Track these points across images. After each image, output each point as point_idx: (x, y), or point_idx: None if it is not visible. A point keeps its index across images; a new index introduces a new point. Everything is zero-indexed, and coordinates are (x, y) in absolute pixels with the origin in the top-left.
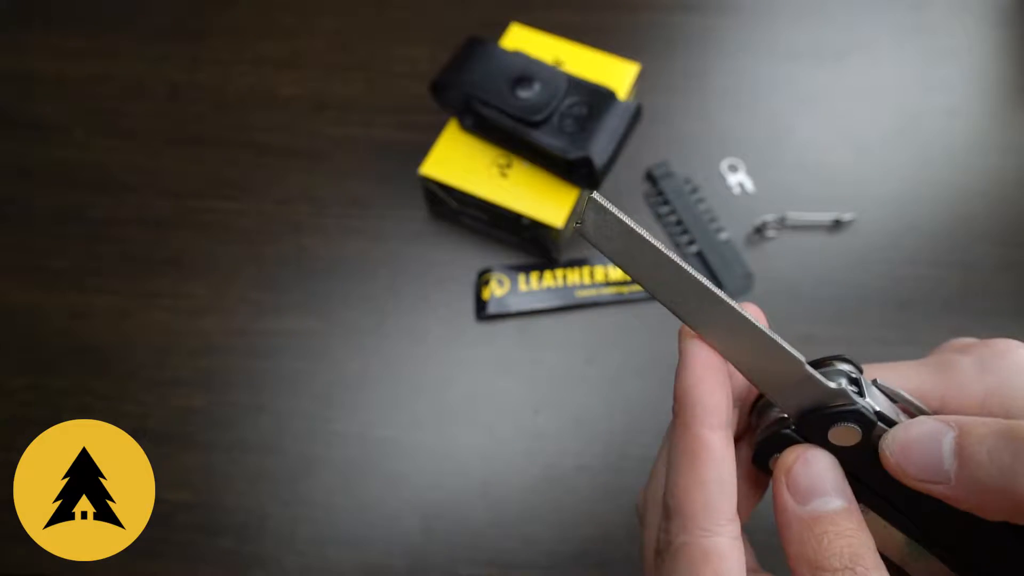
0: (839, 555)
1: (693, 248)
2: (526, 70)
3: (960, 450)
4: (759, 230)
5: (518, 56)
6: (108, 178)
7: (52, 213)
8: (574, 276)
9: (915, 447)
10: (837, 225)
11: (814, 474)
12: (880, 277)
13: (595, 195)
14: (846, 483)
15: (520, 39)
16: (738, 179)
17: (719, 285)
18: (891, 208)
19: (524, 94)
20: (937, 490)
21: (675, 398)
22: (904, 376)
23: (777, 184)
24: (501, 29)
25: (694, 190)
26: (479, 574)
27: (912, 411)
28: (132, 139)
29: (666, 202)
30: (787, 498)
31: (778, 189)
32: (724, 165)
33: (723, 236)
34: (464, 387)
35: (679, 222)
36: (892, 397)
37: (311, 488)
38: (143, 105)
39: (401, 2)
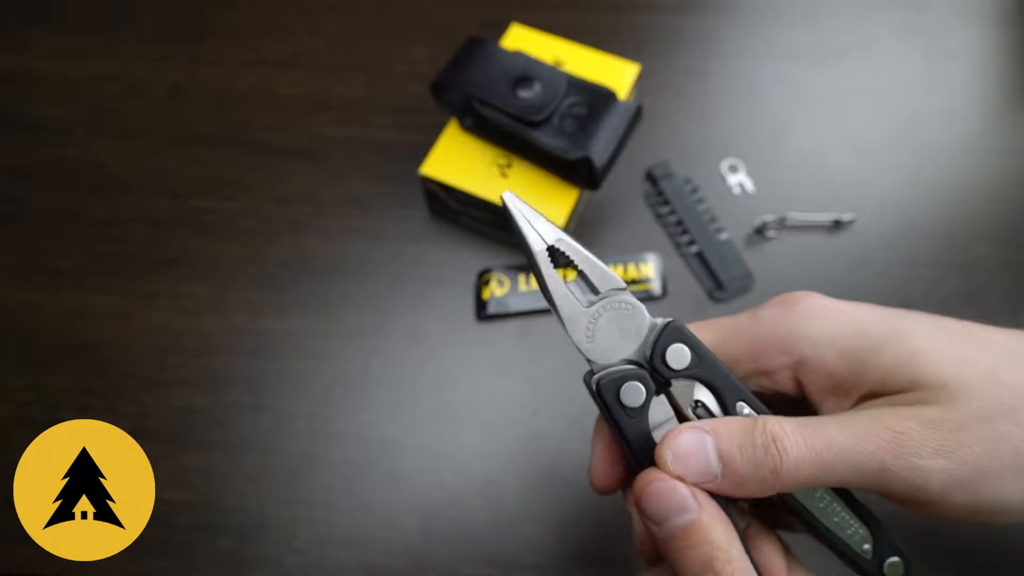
0: (692, 567)
1: (693, 248)
2: (526, 70)
3: (719, 453)
4: (759, 230)
5: (518, 56)
6: (108, 178)
7: (52, 213)
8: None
9: (689, 458)
10: (837, 225)
11: (656, 499)
12: (879, 277)
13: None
14: (686, 490)
15: (520, 39)
16: (738, 179)
17: (719, 285)
18: (891, 209)
19: (524, 94)
20: (711, 487)
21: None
22: (717, 329)
23: (777, 184)
24: (501, 29)
25: (694, 190)
26: (479, 574)
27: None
28: (132, 139)
29: (666, 202)
30: (649, 526)
31: (778, 189)
32: (724, 165)
33: (723, 236)
34: (464, 387)
35: (679, 222)
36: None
37: (311, 488)
38: (143, 105)
39: (401, 2)
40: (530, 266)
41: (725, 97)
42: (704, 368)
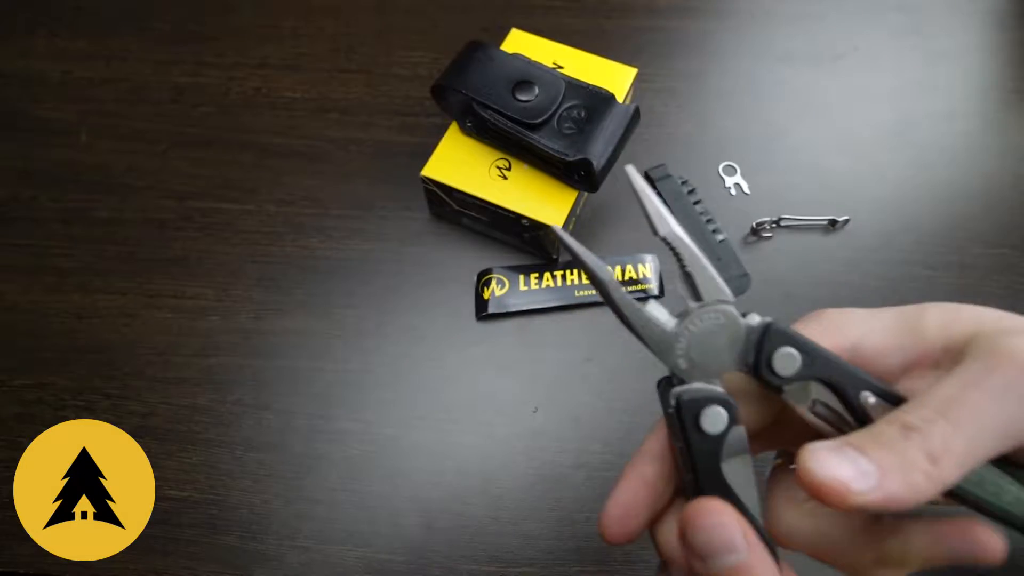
0: None
1: None
2: (526, 73)
3: (868, 458)
4: (756, 231)
5: (518, 59)
6: (113, 180)
7: (57, 214)
8: (573, 276)
9: (841, 467)
10: (833, 226)
11: (707, 533)
12: (875, 278)
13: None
14: (737, 529)
15: (520, 43)
16: (735, 181)
17: None
18: (886, 210)
19: (524, 97)
20: (870, 499)
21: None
22: (871, 322)
23: (773, 186)
24: (502, 33)
25: (691, 192)
26: (479, 571)
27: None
28: (137, 141)
29: (664, 203)
30: (692, 559)
31: (774, 191)
32: (721, 167)
33: (720, 237)
34: (465, 386)
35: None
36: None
37: (314, 485)
38: (147, 107)
39: (403, 6)
40: (601, 295)
41: (722, 100)
42: (818, 366)
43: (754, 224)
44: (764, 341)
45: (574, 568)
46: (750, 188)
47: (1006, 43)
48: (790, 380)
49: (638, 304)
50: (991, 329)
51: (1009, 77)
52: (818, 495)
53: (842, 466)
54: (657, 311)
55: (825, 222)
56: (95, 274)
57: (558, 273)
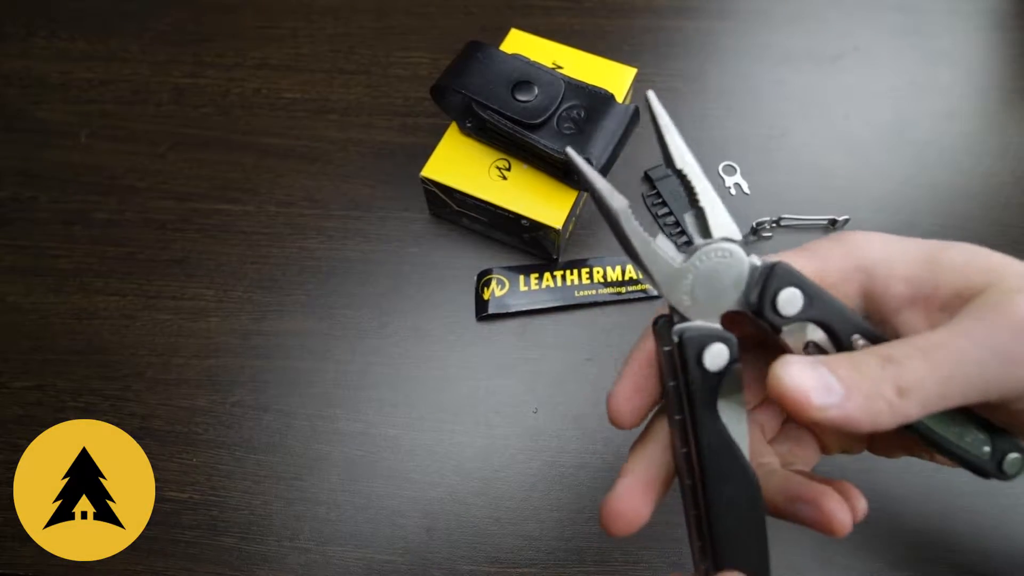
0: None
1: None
2: (525, 74)
3: (837, 377)
4: (755, 231)
5: (517, 60)
6: (113, 181)
7: (57, 215)
8: (573, 276)
9: (807, 380)
10: (833, 226)
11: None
12: None
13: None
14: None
15: (520, 43)
16: (735, 181)
17: None
18: (886, 210)
19: (523, 97)
20: (834, 414)
21: None
22: (892, 247)
23: (773, 186)
24: (501, 34)
25: (692, 191)
26: (480, 571)
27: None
28: (137, 142)
29: (664, 203)
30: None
31: (774, 191)
32: (721, 167)
33: None
34: (465, 386)
35: (677, 223)
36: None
37: (314, 486)
38: (147, 108)
39: (403, 7)
40: (610, 225)
41: (722, 99)
42: (816, 308)
43: (754, 224)
44: (770, 281)
45: (575, 569)
46: (750, 188)
47: (1006, 43)
48: (790, 320)
49: (648, 236)
50: (1005, 286)
51: (1009, 77)
52: (781, 401)
53: (810, 378)
54: (665, 245)
55: (825, 222)
56: (95, 275)
57: (558, 273)
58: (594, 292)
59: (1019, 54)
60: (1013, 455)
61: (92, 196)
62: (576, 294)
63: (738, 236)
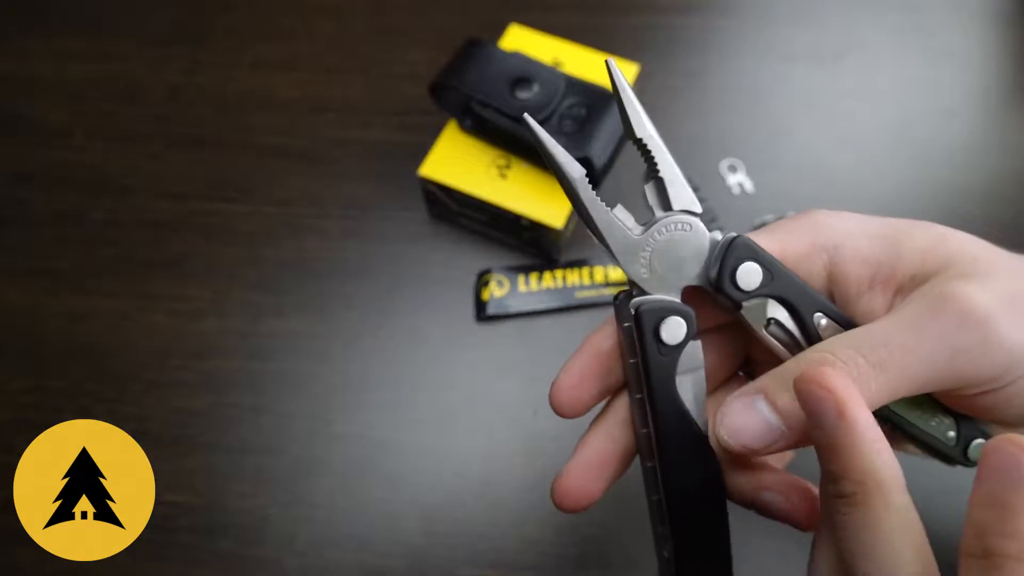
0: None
1: None
2: (525, 71)
3: (776, 409)
4: (758, 230)
5: (517, 57)
6: (108, 180)
7: (53, 215)
8: (574, 277)
9: (747, 427)
10: None
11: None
12: None
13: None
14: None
15: (519, 40)
16: (737, 179)
17: None
18: (889, 208)
19: (523, 95)
20: (782, 447)
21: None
22: (857, 228)
23: (776, 184)
24: (500, 30)
25: (694, 190)
26: (479, 575)
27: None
28: (132, 141)
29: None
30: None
31: (777, 189)
32: (723, 165)
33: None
34: (464, 388)
35: None
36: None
37: (312, 489)
38: (143, 107)
39: (400, 4)
40: (567, 193)
41: (724, 97)
42: (776, 284)
43: (756, 223)
44: (729, 254)
45: (575, 572)
46: (753, 187)
47: (1009, 41)
48: (750, 295)
49: (605, 206)
50: (954, 271)
51: (1011, 75)
52: (726, 451)
53: (750, 422)
54: (624, 216)
55: None
56: (90, 276)
57: (559, 273)
58: (595, 292)
59: (1021, 52)
60: (978, 441)
61: (87, 196)
62: (576, 295)
63: (698, 209)
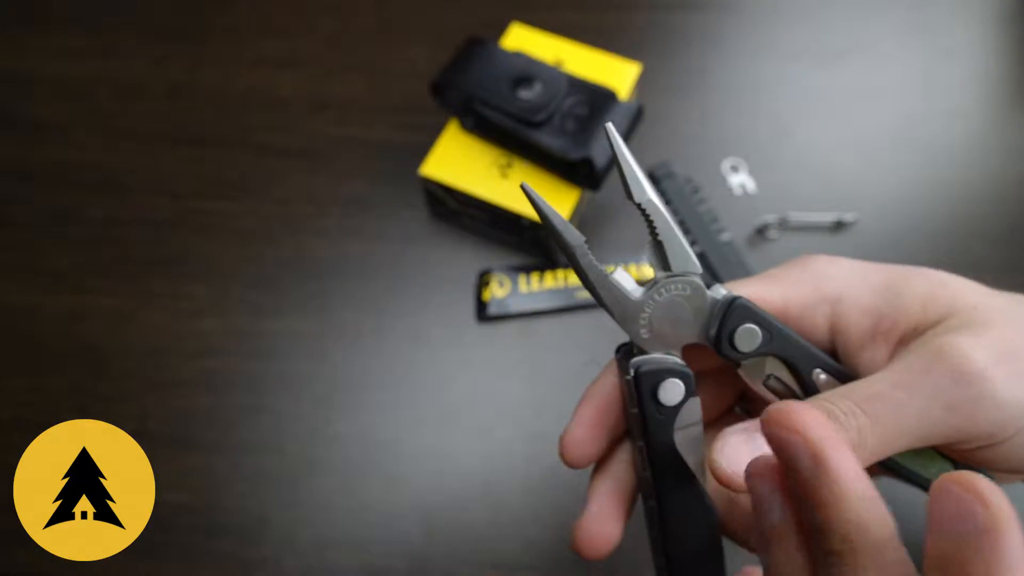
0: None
1: (695, 249)
2: (527, 70)
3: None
4: (761, 231)
5: (518, 56)
6: (108, 179)
7: (52, 214)
8: (575, 277)
9: (743, 457)
10: (839, 226)
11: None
12: None
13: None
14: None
15: (520, 39)
16: (740, 180)
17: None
18: (892, 209)
19: (525, 94)
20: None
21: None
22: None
23: (779, 185)
24: (501, 29)
25: (696, 190)
26: (480, 575)
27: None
28: (132, 139)
29: (668, 202)
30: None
31: (780, 190)
32: (726, 165)
33: (725, 237)
34: (465, 388)
35: (681, 222)
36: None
37: (311, 489)
38: (143, 105)
39: (401, 2)
40: (568, 259)
41: (727, 97)
42: (775, 343)
43: (759, 224)
44: (728, 316)
45: (576, 573)
46: (755, 187)
47: (1012, 40)
48: (748, 356)
49: (605, 271)
50: (952, 323)
51: (1014, 74)
52: (721, 484)
53: (746, 458)
54: (624, 279)
55: (831, 222)
56: (90, 274)
57: (560, 273)
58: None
59: None
60: None
61: (87, 194)
62: (578, 295)
63: (698, 269)
